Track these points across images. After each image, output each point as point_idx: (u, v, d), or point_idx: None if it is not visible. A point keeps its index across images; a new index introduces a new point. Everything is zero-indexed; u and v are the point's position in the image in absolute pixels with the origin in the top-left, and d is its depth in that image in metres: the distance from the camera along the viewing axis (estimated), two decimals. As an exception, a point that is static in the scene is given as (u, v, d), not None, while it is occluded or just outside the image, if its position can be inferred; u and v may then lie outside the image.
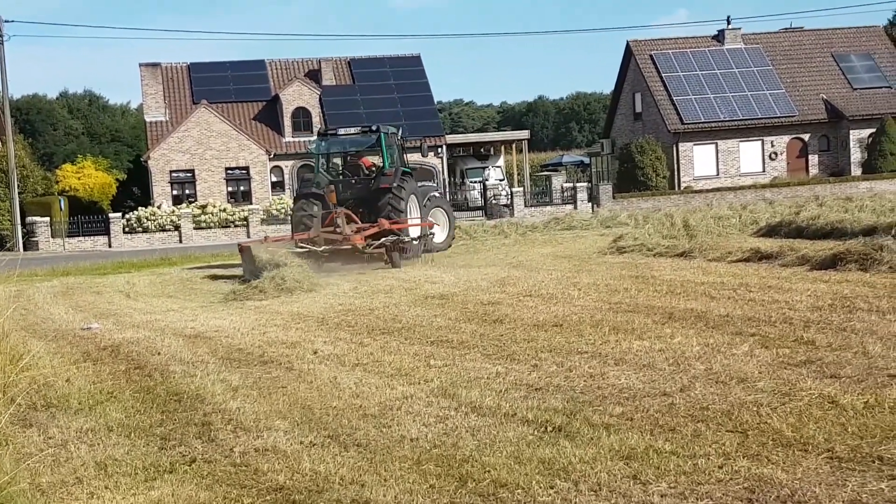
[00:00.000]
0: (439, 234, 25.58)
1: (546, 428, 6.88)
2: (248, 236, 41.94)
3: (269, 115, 52.12)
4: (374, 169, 24.35)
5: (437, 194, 26.98)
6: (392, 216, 22.88)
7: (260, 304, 16.10)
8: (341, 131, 25.67)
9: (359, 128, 25.99)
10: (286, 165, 50.78)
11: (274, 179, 50.48)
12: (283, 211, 44.52)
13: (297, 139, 50.83)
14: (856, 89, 51.58)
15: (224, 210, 44.97)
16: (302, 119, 51.08)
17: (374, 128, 24.63)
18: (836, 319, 10.18)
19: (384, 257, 21.92)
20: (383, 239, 22.04)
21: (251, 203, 47.31)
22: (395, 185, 23.34)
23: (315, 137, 26.38)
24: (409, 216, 23.59)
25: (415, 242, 23.41)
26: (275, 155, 50.20)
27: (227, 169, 49.40)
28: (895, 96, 51.09)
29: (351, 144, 25.24)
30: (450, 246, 25.96)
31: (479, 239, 30.01)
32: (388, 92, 53.19)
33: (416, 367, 9.44)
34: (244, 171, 49.67)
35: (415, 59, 55.90)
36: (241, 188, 49.76)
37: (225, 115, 50.26)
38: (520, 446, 6.47)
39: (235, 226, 44.17)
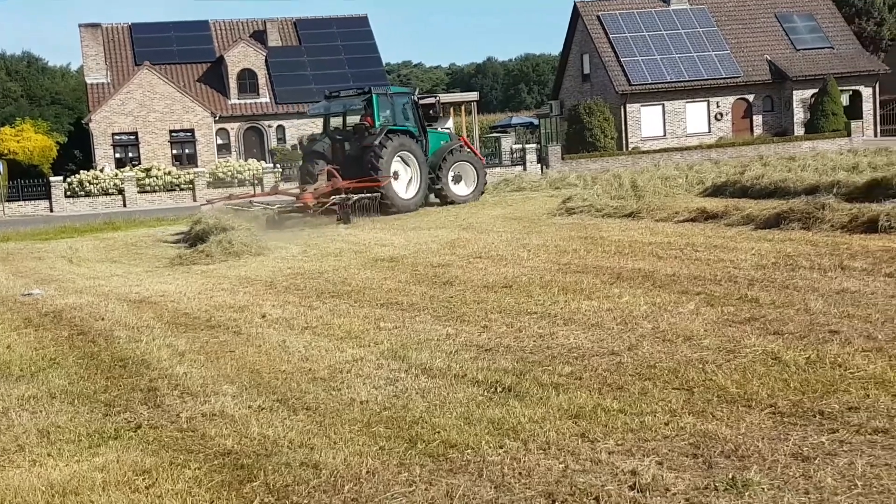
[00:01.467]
0: (465, 188, 27.28)
1: (496, 388, 6.91)
2: (195, 200, 41.50)
3: (214, 77, 51.42)
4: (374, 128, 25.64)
5: (461, 149, 27.87)
6: (372, 173, 24.19)
7: (207, 269, 15.96)
8: (342, 93, 27.39)
9: (355, 90, 27.61)
10: (232, 128, 50.23)
11: (220, 142, 49.91)
12: (228, 173, 44.04)
13: (242, 101, 50.25)
14: (799, 50, 52.04)
15: (169, 173, 44.39)
16: (248, 81, 50.46)
17: (365, 89, 26.46)
18: (779, 277, 10.32)
19: (337, 214, 23.05)
20: (333, 198, 23.42)
21: (197, 166, 46.73)
22: (376, 143, 24.59)
23: (322, 100, 28.30)
24: (386, 172, 24.70)
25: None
26: (220, 117, 49.60)
27: (171, 132, 48.73)
28: (837, 57, 51.65)
29: (350, 105, 26.77)
30: (480, 196, 27.46)
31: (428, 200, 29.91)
32: (336, 53, 52.73)
33: (365, 329, 9.42)
34: (189, 134, 49.02)
35: (362, 20, 55.42)
36: (187, 151, 49.14)
37: (168, 77, 49.50)
38: (469, 407, 6.50)
39: (181, 189, 43.63)
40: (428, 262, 14.13)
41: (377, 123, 25.53)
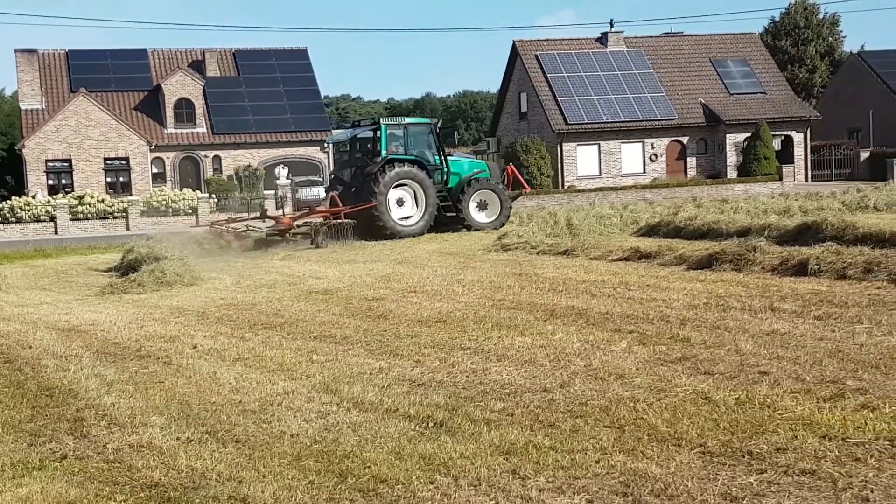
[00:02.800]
0: (487, 216, 28.07)
1: (427, 423, 6.88)
2: (128, 228, 40.93)
3: (151, 106, 50.94)
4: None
5: (484, 178, 28.70)
6: (371, 199, 25.99)
7: (138, 298, 15.72)
8: (362, 122, 30.07)
9: (370, 120, 29.71)
10: (168, 157, 49.74)
11: (155, 171, 49.37)
12: (163, 203, 43.51)
13: (179, 130, 49.81)
14: (732, 94, 53.11)
15: (102, 201, 43.72)
16: (185, 110, 50.07)
17: (374, 120, 28.89)
18: (710, 318, 10.45)
19: (311, 238, 24.88)
20: (306, 222, 26.19)
21: (131, 194, 46.14)
22: (375, 171, 26.39)
23: (341, 130, 31.34)
24: (383, 200, 26.17)
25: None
26: (156, 146, 49.10)
27: (106, 159, 48.11)
28: (769, 102, 52.79)
29: (364, 134, 28.68)
30: (502, 225, 27.60)
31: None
32: (274, 85, 52.58)
33: (298, 362, 9.34)
34: (124, 162, 48.44)
35: (301, 53, 55.40)
36: (121, 179, 48.51)
37: (105, 105, 48.94)
38: (401, 442, 6.46)
39: (114, 217, 42.97)
40: (362, 296, 14.07)
41: (383, 152, 27.01)
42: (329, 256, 21.77)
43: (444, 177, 28.05)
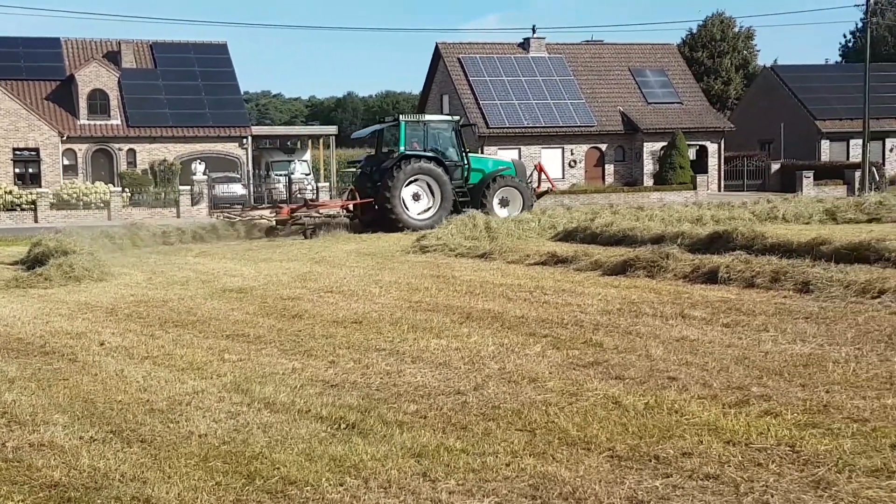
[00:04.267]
0: (510, 211, 28.74)
1: (339, 425, 6.83)
2: (36, 221, 39.95)
3: (64, 96, 49.74)
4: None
5: (509, 175, 29.86)
6: (385, 194, 27.40)
7: (44, 293, 15.33)
8: (386, 119, 31.19)
9: (392, 117, 30.95)
10: (80, 149, 48.63)
11: (66, 163, 48.19)
12: (74, 195, 42.54)
13: (93, 122, 48.74)
14: (650, 103, 53.93)
15: (10, 192, 42.58)
16: (99, 101, 48.96)
17: (395, 117, 30.02)
18: (623, 323, 10.58)
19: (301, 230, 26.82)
20: (300, 216, 27.68)
21: (40, 186, 45.00)
22: (390, 166, 27.70)
23: (376, 125, 31.91)
24: (397, 194, 27.44)
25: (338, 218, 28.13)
26: (68, 137, 47.96)
27: (14, 149, 46.83)
28: (686, 112, 53.73)
29: (389, 130, 29.88)
30: None
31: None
32: (192, 79, 51.79)
33: (209, 361, 9.20)
34: (34, 153, 47.21)
35: (221, 47, 54.68)
36: (30, 170, 47.26)
37: (14, 93, 47.64)
38: (311, 443, 6.40)
39: (22, 209, 41.88)
40: (277, 295, 13.94)
41: (401, 148, 28.19)
42: (245, 254, 21.52)
43: (465, 173, 29.31)
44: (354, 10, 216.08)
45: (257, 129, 54.17)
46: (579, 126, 52.12)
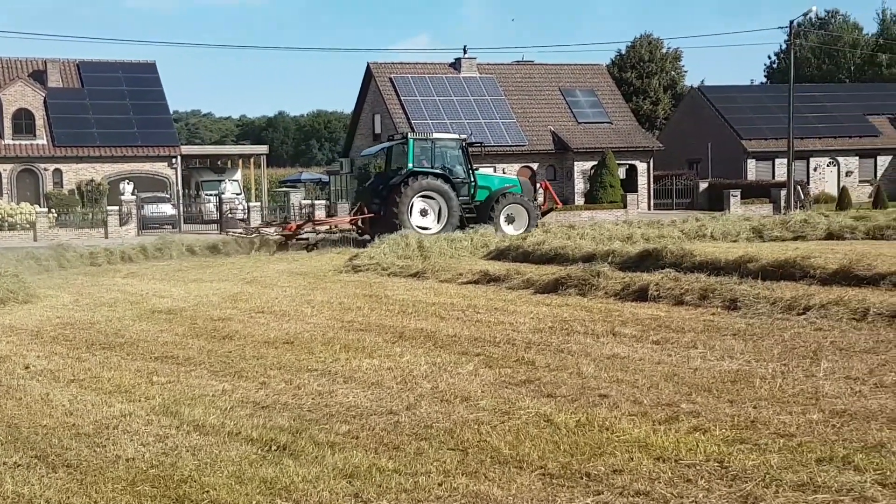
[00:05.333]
0: (515, 228, 29.81)
1: (270, 447, 6.77)
2: (-40, 242, 38.94)
3: (-12, 115, 48.63)
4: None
5: (515, 193, 30.78)
6: (394, 209, 28.48)
7: (-32, 315, 14.95)
8: (395, 137, 32.14)
9: (401, 136, 31.56)
10: (5, 169, 47.59)
11: (-9, 183, 47.14)
12: (-1, 216, 41.58)
13: (18, 142, 47.77)
14: (580, 123, 54.46)
15: (-68, 213, 41.51)
16: (24, 121, 48.01)
17: (402, 135, 31.19)
18: (555, 341, 10.65)
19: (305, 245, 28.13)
20: (303, 232, 29.36)
21: (-37, 207, 43.89)
22: (398, 183, 28.89)
23: (385, 143, 33.19)
24: (405, 210, 28.55)
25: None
26: (-8, 157, 46.92)
27: (-64, 170, 45.73)
28: (615, 132, 54.38)
29: (398, 147, 30.83)
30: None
31: (212, 253, 29.19)
32: (120, 98, 51.05)
33: (137, 383, 9.05)
34: (-44, 173, 46.12)
35: (150, 67, 54.03)
36: (-47, 191, 46.17)
37: (-63, 112, 46.54)
38: (242, 466, 6.32)
39: (-56, 230, 40.81)
40: (208, 316, 13.78)
41: (409, 165, 29.27)
42: (175, 275, 21.24)
43: (472, 190, 30.36)
44: (285, 30, 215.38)
45: (187, 149, 53.54)
46: (511, 145, 52.43)
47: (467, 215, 29.57)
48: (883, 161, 57.53)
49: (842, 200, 46.88)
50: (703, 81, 77.50)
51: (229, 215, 44.23)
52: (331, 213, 45.85)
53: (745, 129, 56.41)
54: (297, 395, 8.40)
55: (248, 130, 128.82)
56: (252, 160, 53.31)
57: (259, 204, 46.68)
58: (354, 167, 55.09)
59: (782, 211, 44.50)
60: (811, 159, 56.33)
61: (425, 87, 52.99)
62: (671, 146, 56.71)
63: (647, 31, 77.03)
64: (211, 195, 47.88)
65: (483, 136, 51.93)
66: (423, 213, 29.31)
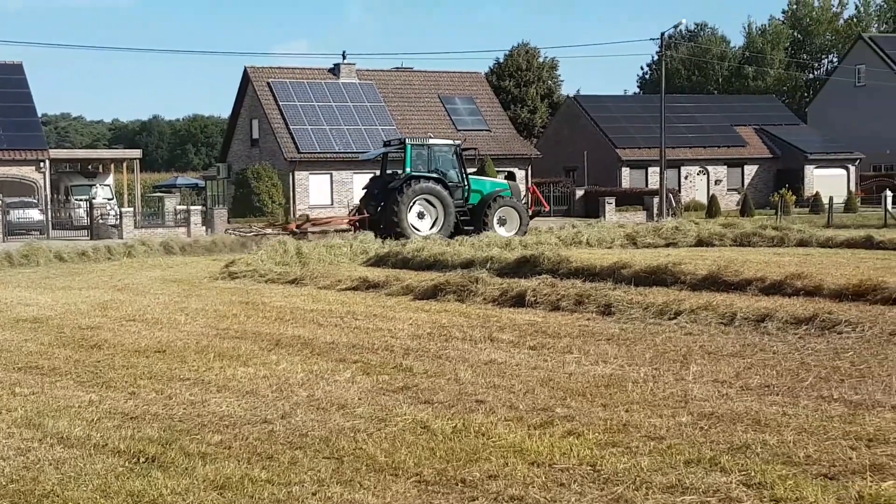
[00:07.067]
0: (507, 230, 30.58)
1: (139, 458, 6.57)
2: None
3: None
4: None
5: (506, 196, 31.85)
6: (394, 208, 29.39)
7: None
8: (393, 142, 33.29)
9: (398, 141, 32.75)
10: None
11: None
12: None
13: None
14: (460, 130, 54.80)
15: None
16: None
17: (400, 140, 32.42)
18: (433, 347, 10.65)
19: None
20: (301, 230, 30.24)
21: None
22: (398, 186, 29.83)
23: (382, 147, 34.51)
24: (405, 212, 29.43)
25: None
26: None
27: None
28: (494, 139, 54.92)
29: (395, 152, 32.08)
30: (523, 236, 29.71)
31: (82, 260, 28.33)
32: (-15, 99, 49.16)
33: (-3, 395, 8.67)
34: None
35: (16, 68, 52.12)
36: None
37: None
38: (108, 479, 6.12)
39: None
40: (76, 324, 13.33)
41: (407, 169, 30.21)
42: (42, 282, 20.52)
43: (466, 193, 31.27)
44: (159, 31, 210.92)
45: (56, 153, 51.88)
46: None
47: (462, 218, 30.57)
48: (750, 170, 59.55)
49: (711, 208, 48.40)
50: (578, 91, 79.10)
51: (100, 221, 43.02)
52: (207, 217, 45.06)
53: (620, 137, 57.66)
54: (168, 405, 8.19)
55: (122, 134, 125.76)
56: (125, 164, 51.98)
57: (132, 209, 45.53)
58: (232, 172, 54.27)
59: (655, 218, 45.64)
60: (682, 168, 57.91)
61: (304, 93, 52.59)
62: (549, 154, 57.58)
63: (525, 41, 77.90)
64: (81, 200, 46.47)
65: (363, 142, 51.83)
66: (420, 215, 30.17)
